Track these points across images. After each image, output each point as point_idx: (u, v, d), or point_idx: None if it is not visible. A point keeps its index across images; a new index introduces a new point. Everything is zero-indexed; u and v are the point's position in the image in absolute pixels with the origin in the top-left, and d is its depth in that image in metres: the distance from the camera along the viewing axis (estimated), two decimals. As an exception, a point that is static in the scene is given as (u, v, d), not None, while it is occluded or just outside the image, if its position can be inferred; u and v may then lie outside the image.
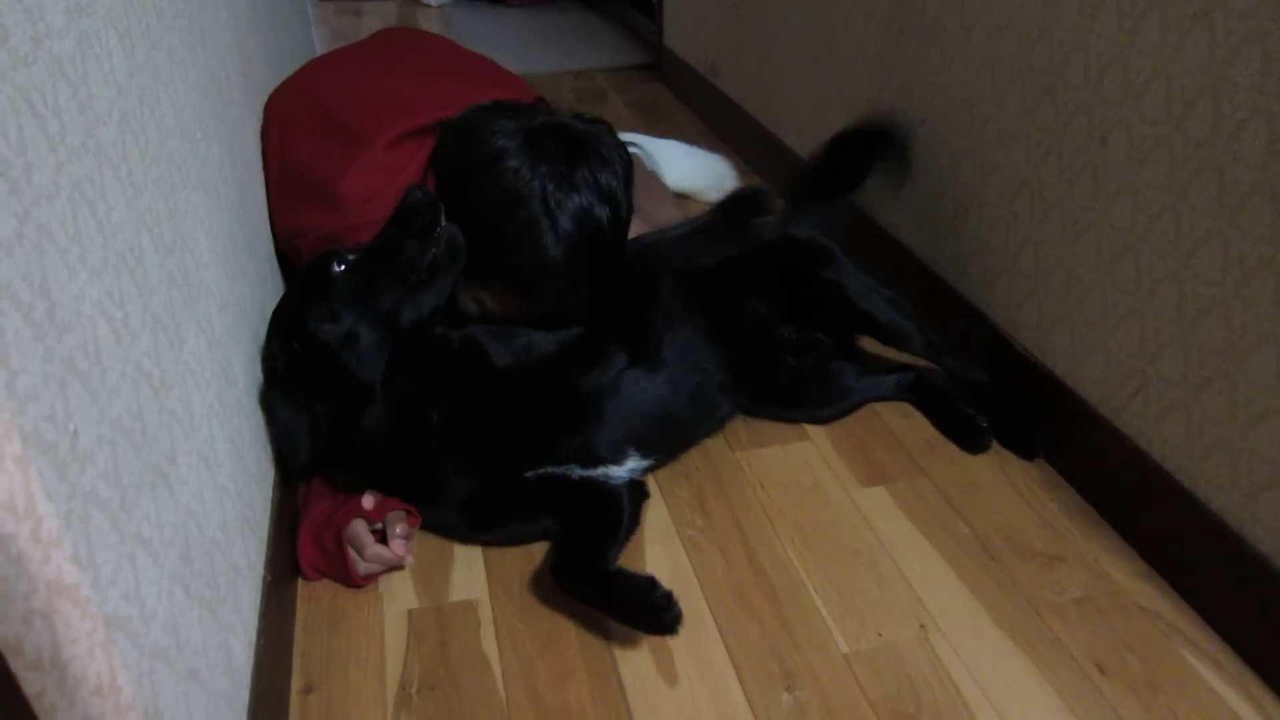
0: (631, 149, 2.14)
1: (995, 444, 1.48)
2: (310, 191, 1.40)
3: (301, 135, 1.48)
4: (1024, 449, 1.46)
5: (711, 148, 2.42)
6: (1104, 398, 1.33)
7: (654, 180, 2.03)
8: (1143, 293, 1.23)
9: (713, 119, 2.77)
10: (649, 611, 1.10)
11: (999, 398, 1.50)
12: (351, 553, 1.21)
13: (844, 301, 1.49)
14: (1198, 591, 1.20)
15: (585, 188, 1.28)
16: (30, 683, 0.53)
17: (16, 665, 0.51)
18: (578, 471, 1.29)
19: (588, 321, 1.33)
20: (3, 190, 0.58)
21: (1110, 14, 1.23)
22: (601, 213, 1.29)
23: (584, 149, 1.29)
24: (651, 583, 1.12)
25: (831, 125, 2.05)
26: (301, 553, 1.24)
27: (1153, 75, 1.17)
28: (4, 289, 0.56)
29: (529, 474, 1.27)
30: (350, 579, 1.24)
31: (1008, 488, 1.40)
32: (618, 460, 1.32)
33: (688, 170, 2.21)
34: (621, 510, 1.30)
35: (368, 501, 1.24)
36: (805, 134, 2.20)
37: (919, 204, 1.75)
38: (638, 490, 1.36)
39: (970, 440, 1.48)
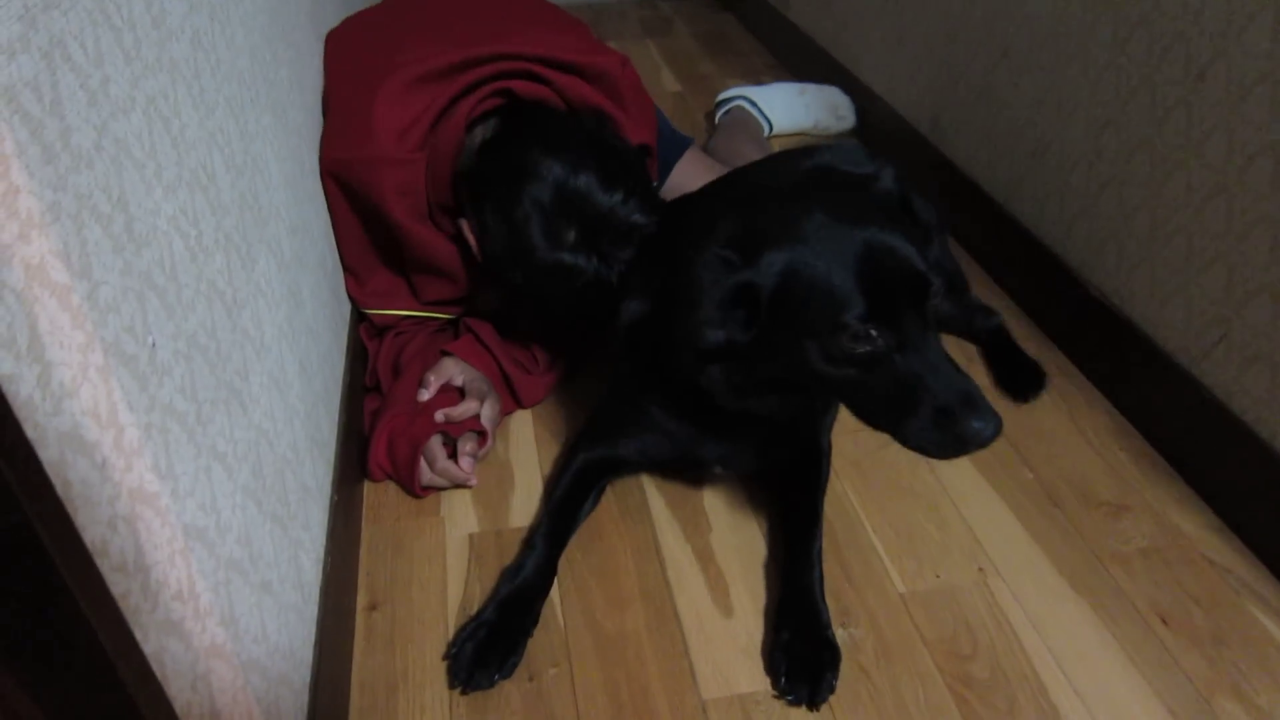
0: (735, 103, 2.12)
1: (1074, 391, 1.45)
2: (344, 119, 1.39)
3: (346, 65, 1.48)
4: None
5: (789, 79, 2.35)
6: (1183, 346, 1.28)
7: (747, 132, 2.01)
8: (1233, 236, 1.18)
9: (782, 51, 2.69)
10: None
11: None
12: (422, 463, 1.27)
13: None
14: (1272, 548, 1.16)
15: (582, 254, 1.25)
16: (116, 584, 0.55)
17: (103, 566, 0.53)
18: None
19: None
20: (82, 101, 0.58)
21: (1216, -63, 1.16)
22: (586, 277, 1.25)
23: (602, 228, 1.25)
24: None
25: (906, 58, 1.98)
26: (373, 454, 1.29)
27: (1260, 6, 1.10)
28: (85, 200, 0.57)
29: None
30: (412, 487, 1.28)
31: (1076, 435, 1.37)
32: None
33: (802, 110, 2.16)
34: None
35: (440, 416, 1.29)
36: (879, 68, 2.13)
37: (996, 140, 1.69)
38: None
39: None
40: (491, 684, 1.05)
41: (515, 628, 1.09)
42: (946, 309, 1.50)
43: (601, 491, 1.28)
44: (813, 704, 1.01)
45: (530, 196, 1.24)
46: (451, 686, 1.05)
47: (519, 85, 1.35)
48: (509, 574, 1.15)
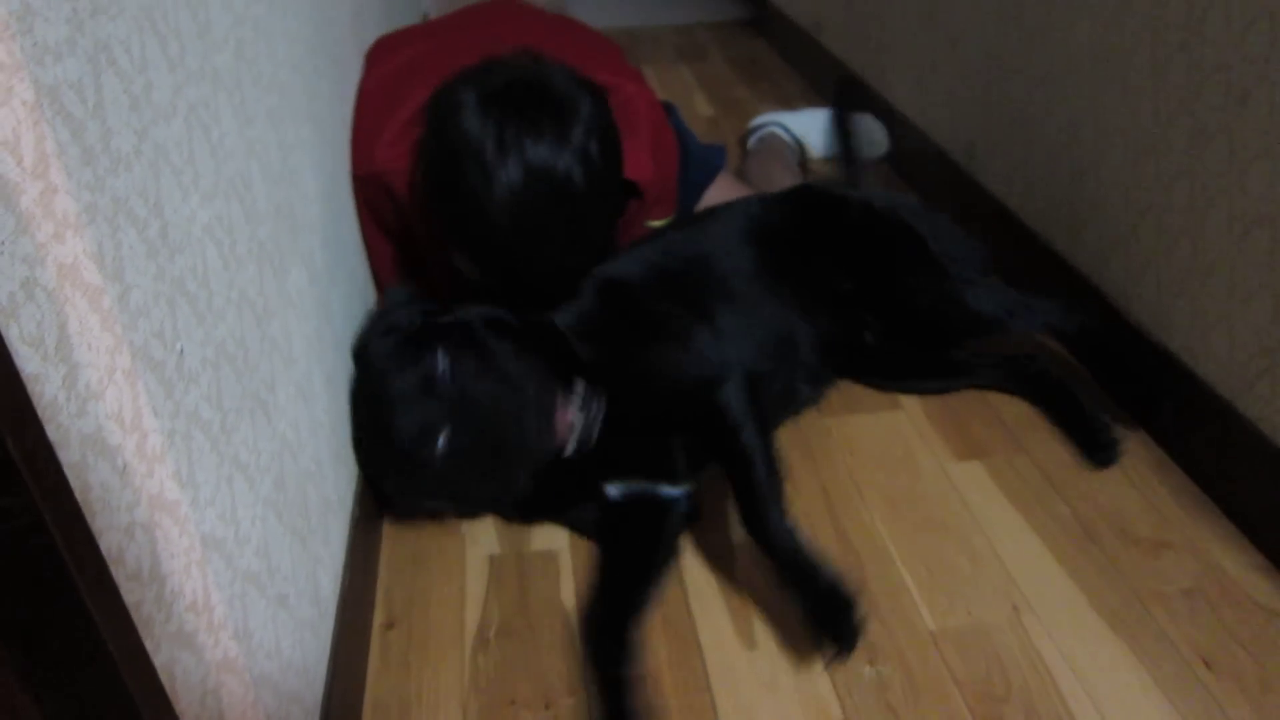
0: (769, 128, 2.12)
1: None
2: (363, 137, 1.40)
3: (374, 84, 1.49)
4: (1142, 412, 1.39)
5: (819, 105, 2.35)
6: (1225, 378, 1.25)
7: (779, 157, 2.00)
8: (1278, 267, 1.15)
9: (815, 77, 2.69)
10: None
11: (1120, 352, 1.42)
12: None
13: (925, 310, 1.43)
14: (1318, 591, 1.12)
15: (542, 143, 1.12)
16: (130, 592, 0.54)
17: (118, 574, 0.52)
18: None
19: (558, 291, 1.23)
20: (124, 105, 0.58)
21: (1263, -34, 1.14)
22: (564, 168, 1.13)
23: (547, 103, 1.14)
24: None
25: (941, 84, 1.97)
26: None
27: (1309, 33, 1.08)
28: (121, 204, 0.57)
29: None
30: None
31: (1113, 469, 1.33)
32: None
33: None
34: (658, 543, 1.20)
35: None
36: (913, 94, 2.12)
37: (1031, 167, 1.67)
38: (681, 515, 1.24)
39: (1094, 450, 1.35)
40: None
41: None
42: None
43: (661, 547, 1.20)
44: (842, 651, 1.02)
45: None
46: None
47: None
48: None
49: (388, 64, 1.52)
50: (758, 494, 1.08)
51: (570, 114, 1.15)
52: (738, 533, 1.25)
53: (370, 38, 1.63)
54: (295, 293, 0.95)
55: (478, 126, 1.13)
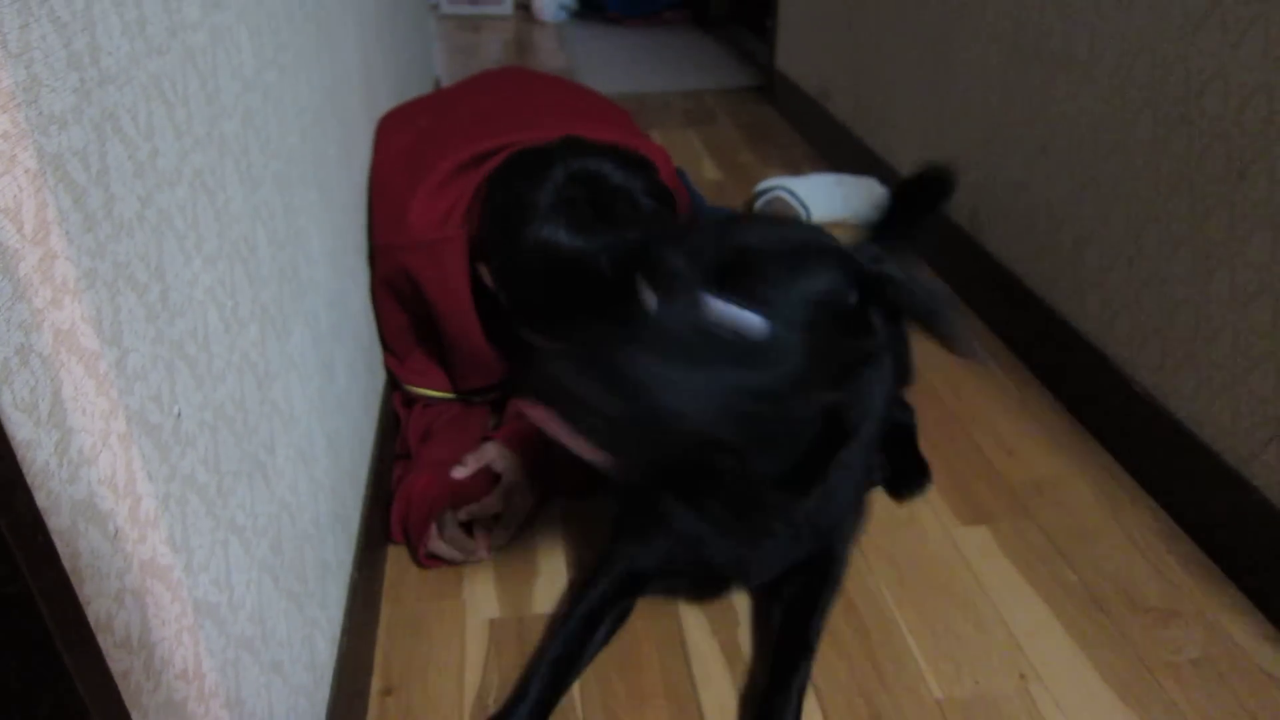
0: (774, 192, 2.14)
1: (1117, 490, 1.40)
2: (385, 209, 1.42)
3: (392, 156, 1.51)
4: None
5: (831, 170, 2.38)
6: (1231, 446, 1.24)
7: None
8: (1282, 336, 1.15)
9: (822, 143, 2.73)
10: None
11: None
12: (432, 529, 1.25)
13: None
14: (1333, 664, 1.10)
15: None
16: (118, 661, 0.53)
17: (105, 643, 0.52)
18: None
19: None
20: (128, 172, 0.59)
21: (1256, 41, 1.16)
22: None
23: (616, 200, 1.25)
24: None
25: (945, 152, 1.99)
26: (394, 513, 1.29)
27: (1304, 104, 1.10)
28: (122, 269, 0.57)
29: None
30: (418, 552, 1.27)
31: (1120, 536, 1.32)
32: None
33: (839, 200, 2.17)
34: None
35: (459, 473, 1.29)
36: (918, 160, 2.14)
37: (1036, 233, 1.68)
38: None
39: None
40: None
41: None
42: None
43: (622, 617, 1.17)
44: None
45: (543, 189, 1.24)
46: None
47: None
48: None
49: (405, 135, 1.54)
50: (795, 663, 1.10)
51: (633, 195, 1.25)
52: (740, 599, 1.24)
53: (381, 102, 1.66)
54: (297, 354, 0.96)
55: (554, 231, 1.23)
